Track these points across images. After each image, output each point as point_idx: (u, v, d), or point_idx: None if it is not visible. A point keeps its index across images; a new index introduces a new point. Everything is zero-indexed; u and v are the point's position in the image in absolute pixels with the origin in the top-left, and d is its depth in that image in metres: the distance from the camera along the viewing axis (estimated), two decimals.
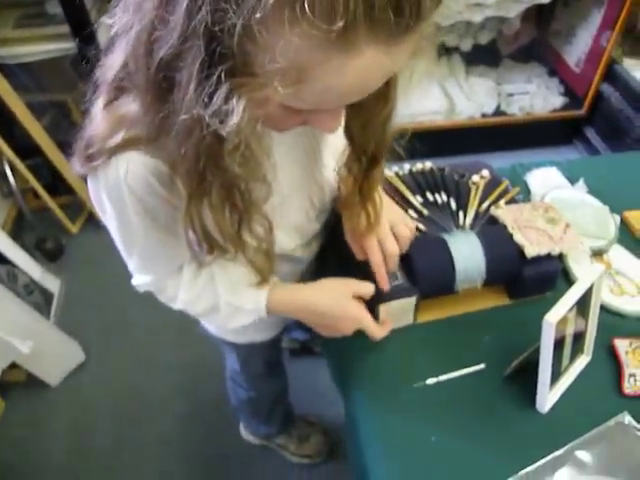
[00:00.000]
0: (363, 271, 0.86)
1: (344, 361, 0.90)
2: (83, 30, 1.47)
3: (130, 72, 0.54)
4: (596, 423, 0.79)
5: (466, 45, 2.46)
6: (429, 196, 1.00)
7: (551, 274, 0.93)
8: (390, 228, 0.84)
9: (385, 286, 0.84)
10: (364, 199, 0.79)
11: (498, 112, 2.43)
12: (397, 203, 0.97)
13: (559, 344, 0.77)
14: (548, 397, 0.80)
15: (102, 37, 1.87)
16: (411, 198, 0.99)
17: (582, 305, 0.79)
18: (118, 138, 0.57)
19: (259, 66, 0.43)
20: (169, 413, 1.72)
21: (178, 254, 0.74)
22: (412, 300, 0.87)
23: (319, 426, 1.61)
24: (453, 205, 0.98)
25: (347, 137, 0.72)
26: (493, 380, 0.85)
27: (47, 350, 1.70)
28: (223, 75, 0.43)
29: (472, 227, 0.94)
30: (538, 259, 0.89)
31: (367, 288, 0.82)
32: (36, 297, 1.83)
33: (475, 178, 1.04)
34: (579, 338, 0.85)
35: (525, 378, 0.82)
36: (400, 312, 0.88)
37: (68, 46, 1.91)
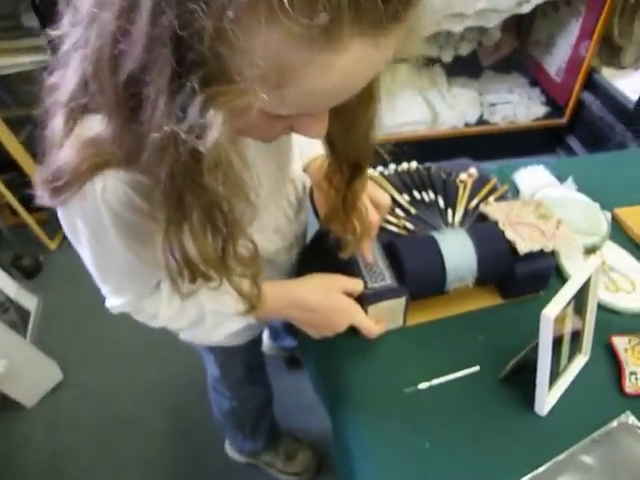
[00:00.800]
0: (347, 274, 0.81)
1: (327, 368, 0.85)
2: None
3: (93, 93, 0.49)
4: (598, 425, 0.74)
5: (447, 56, 2.46)
6: (416, 194, 0.96)
7: (544, 271, 0.89)
8: (369, 198, 0.79)
9: (369, 256, 0.83)
10: (348, 211, 0.74)
11: (481, 121, 2.42)
12: None
13: (557, 343, 0.73)
14: (547, 399, 0.76)
15: None
16: (398, 197, 0.95)
17: (579, 302, 0.76)
18: (89, 165, 0.51)
19: (236, 71, 0.38)
20: (153, 432, 1.64)
21: (156, 271, 0.68)
22: (401, 301, 0.82)
23: (306, 442, 1.54)
24: (441, 203, 0.94)
25: (327, 144, 0.68)
26: (488, 382, 0.80)
27: (23, 370, 1.62)
28: (197, 85, 0.38)
29: (461, 225, 0.90)
30: (531, 256, 0.85)
31: (356, 284, 0.78)
32: (12, 315, 1.76)
33: (462, 176, 1.00)
34: (576, 337, 0.81)
35: (522, 379, 0.78)
36: (389, 314, 0.83)
37: (44, 59, 1.88)
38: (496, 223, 0.87)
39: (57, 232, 2.15)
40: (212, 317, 0.74)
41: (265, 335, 1.65)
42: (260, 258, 0.61)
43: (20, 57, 1.89)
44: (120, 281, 0.69)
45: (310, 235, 1.00)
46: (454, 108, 2.39)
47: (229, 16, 0.35)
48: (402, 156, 0.99)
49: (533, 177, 1.11)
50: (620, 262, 0.96)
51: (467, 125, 2.39)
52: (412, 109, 2.33)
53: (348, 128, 0.62)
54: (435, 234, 0.85)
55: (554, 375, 0.76)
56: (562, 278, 0.94)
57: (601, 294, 0.89)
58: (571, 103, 2.39)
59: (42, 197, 0.55)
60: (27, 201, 2.03)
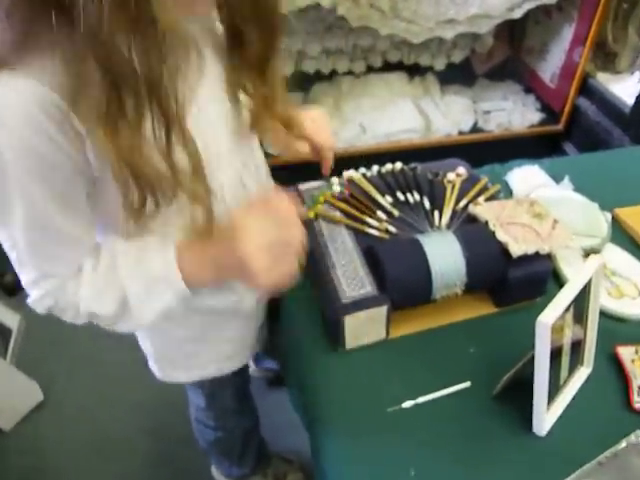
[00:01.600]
0: (324, 281, 0.73)
1: (305, 384, 0.76)
2: None
3: None
4: (604, 445, 0.65)
5: (439, 64, 2.39)
6: (400, 196, 0.88)
7: (541, 276, 0.80)
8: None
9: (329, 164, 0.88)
10: (272, 108, 0.71)
11: (475, 129, 2.34)
12: (363, 205, 0.86)
13: (555, 355, 0.64)
14: (546, 417, 0.67)
15: None
16: (380, 198, 0.87)
17: (579, 309, 0.67)
18: None
19: None
20: (136, 454, 1.55)
21: (78, 246, 0.60)
22: (382, 310, 0.74)
23: (297, 463, 1.44)
24: (427, 204, 0.86)
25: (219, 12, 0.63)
26: (481, 400, 0.71)
27: (1, 390, 1.53)
28: None
29: (449, 227, 0.82)
30: (525, 259, 0.77)
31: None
32: None
33: (450, 176, 0.92)
34: (577, 348, 0.72)
35: (518, 396, 0.69)
36: (369, 325, 0.75)
37: None
38: (486, 224, 0.79)
39: None
40: (135, 290, 0.61)
41: None
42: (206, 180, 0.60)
43: None
44: (42, 259, 0.58)
45: None
46: (447, 116, 2.32)
47: None
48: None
49: (527, 177, 1.03)
50: (623, 265, 0.87)
51: (461, 133, 2.31)
52: (405, 117, 2.26)
53: None
54: (419, 237, 0.77)
55: (553, 390, 0.67)
56: (560, 284, 0.86)
57: (603, 301, 0.81)
58: (567, 109, 2.31)
59: None
60: None
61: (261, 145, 0.83)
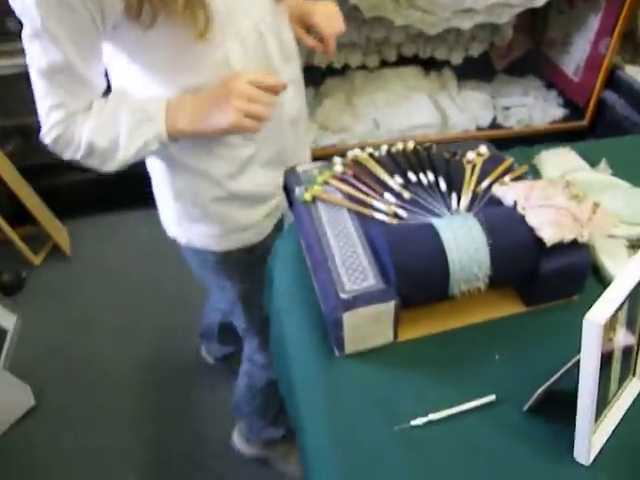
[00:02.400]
0: (322, 271, 0.61)
1: (295, 394, 0.63)
2: None
3: None
4: None
5: (457, 58, 2.26)
6: (412, 177, 0.75)
7: (579, 268, 0.66)
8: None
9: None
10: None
11: (494, 125, 2.20)
12: (369, 187, 0.73)
13: (604, 364, 0.50)
14: (591, 440, 0.53)
15: None
16: (387, 179, 0.74)
17: (630, 311, 0.53)
18: None
19: None
20: (131, 466, 1.44)
21: (92, 88, 0.73)
22: (389, 307, 0.60)
23: None
24: (443, 186, 0.73)
25: None
26: (508, 417, 0.57)
27: None
28: None
29: (469, 211, 0.69)
30: (560, 249, 0.63)
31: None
32: None
33: (470, 155, 0.79)
34: (627, 356, 0.58)
35: (554, 414, 0.55)
36: (374, 325, 0.62)
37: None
38: (514, 206, 0.66)
39: (42, 247, 1.98)
40: (129, 120, 0.73)
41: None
42: None
43: (5, 60, 1.77)
44: (64, 93, 0.69)
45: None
46: (465, 111, 2.18)
47: None
48: None
49: (559, 160, 0.89)
50: None
51: (479, 129, 2.17)
52: (420, 112, 2.13)
53: None
54: (434, 220, 0.64)
55: (601, 406, 0.53)
56: (600, 279, 0.72)
57: None
58: (592, 103, 2.16)
59: None
60: (11, 216, 1.87)
61: None
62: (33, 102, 0.71)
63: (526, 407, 0.58)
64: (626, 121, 2.03)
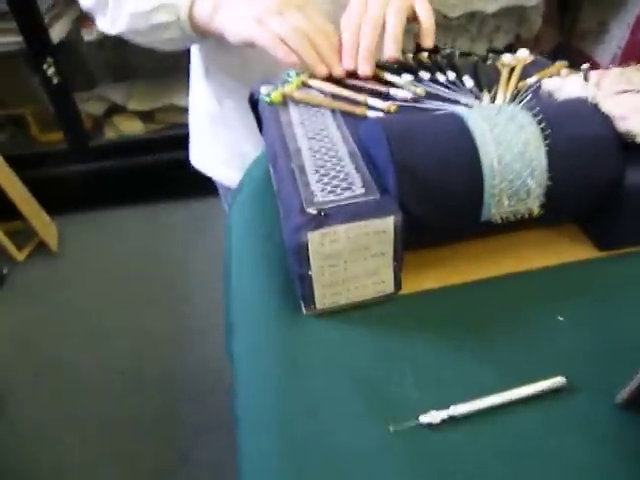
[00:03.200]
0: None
1: (240, 373, 0.40)
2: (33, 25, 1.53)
3: None
4: None
5: (480, 49, 2.04)
6: (424, 75, 0.52)
7: None
8: None
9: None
10: None
11: None
12: (365, 83, 0.50)
13: None
14: None
15: (54, 32, 1.60)
16: (392, 77, 0.51)
17: None
18: None
19: None
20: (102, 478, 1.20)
21: None
22: (386, 226, 0.36)
23: None
24: (469, 83, 0.50)
25: None
26: (590, 412, 0.33)
27: None
28: None
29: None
30: None
31: None
32: None
33: (506, 58, 0.56)
34: None
35: None
36: (361, 261, 0.38)
37: (16, 40, 1.60)
38: (581, 97, 0.42)
39: (27, 244, 1.79)
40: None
41: None
42: None
43: None
44: None
45: None
46: None
47: None
48: None
49: None
50: None
51: None
52: None
53: None
54: (461, 109, 0.41)
55: None
56: None
57: None
58: None
59: None
60: None
61: None
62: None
63: (619, 399, 0.33)
64: None
